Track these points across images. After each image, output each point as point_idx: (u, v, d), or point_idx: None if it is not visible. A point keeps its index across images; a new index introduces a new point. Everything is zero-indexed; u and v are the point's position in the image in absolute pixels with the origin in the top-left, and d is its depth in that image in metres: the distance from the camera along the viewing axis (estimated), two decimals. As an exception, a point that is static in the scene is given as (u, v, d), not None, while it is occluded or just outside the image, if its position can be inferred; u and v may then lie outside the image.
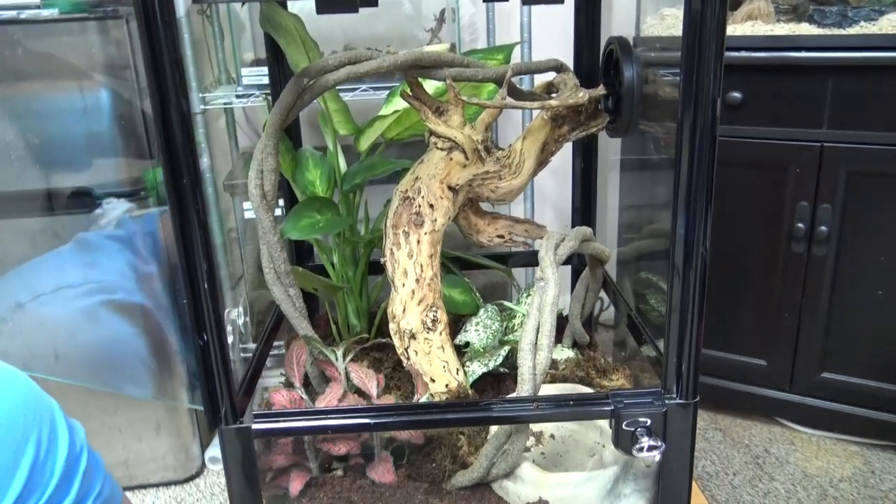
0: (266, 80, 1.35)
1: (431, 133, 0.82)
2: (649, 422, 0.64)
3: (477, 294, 0.97)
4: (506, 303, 0.93)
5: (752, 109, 1.47)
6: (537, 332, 0.69)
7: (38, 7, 1.28)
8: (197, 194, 0.60)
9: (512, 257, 1.09)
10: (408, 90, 0.83)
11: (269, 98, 1.21)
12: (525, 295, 0.97)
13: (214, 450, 1.65)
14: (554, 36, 1.34)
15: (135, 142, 1.37)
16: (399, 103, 0.93)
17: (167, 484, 1.60)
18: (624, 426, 0.65)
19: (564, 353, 0.90)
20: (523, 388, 0.68)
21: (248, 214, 1.64)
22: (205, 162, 1.52)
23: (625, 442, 0.65)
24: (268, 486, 0.70)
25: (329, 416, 0.66)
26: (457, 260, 1.02)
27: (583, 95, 0.79)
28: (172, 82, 0.57)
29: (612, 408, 0.65)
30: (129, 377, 1.24)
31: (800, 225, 1.49)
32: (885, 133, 1.36)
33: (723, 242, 1.58)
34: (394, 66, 0.77)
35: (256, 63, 1.61)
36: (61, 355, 1.23)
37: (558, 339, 0.94)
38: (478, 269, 1.08)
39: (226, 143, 1.73)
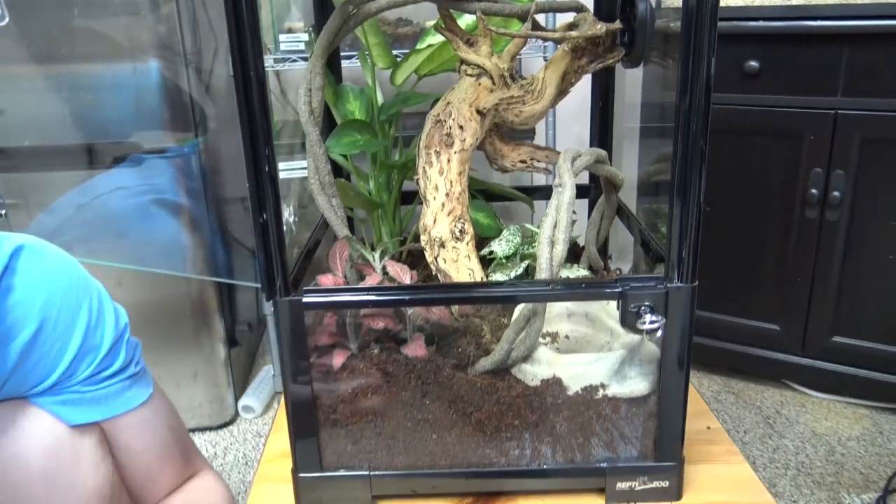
0: (302, 46, 1.47)
1: (462, 62, 0.90)
2: (653, 304, 0.72)
3: (500, 221, 1.05)
4: (527, 224, 1.01)
5: (769, 78, 1.52)
6: (555, 228, 0.77)
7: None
8: (261, 95, 0.69)
9: (535, 192, 1.17)
10: (441, 24, 0.91)
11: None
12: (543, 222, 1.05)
13: (247, 399, 1.75)
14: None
15: (181, 114, 1.47)
16: (433, 39, 1.02)
17: (203, 429, 1.70)
18: (630, 307, 0.72)
19: (581, 272, 0.97)
20: (541, 276, 0.76)
21: (283, 175, 1.74)
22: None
23: (630, 320, 0.72)
24: (312, 365, 0.78)
25: (371, 292, 0.75)
26: (483, 192, 1.10)
27: (600, 27, 0.87)
28: (252, 42, 0.66)
29: (620, 290, 0.73)
30: (168, 258, 1.51)
31: (813, 191, 1.53)
32: (898, 100, 1.39)
33: (738, 208, 1.62)
34: (430, -4, 0.86)
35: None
36: (114, 242, 1.48)
37: (574, 262, 1.02)
38: (503, 205, 1.16)
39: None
